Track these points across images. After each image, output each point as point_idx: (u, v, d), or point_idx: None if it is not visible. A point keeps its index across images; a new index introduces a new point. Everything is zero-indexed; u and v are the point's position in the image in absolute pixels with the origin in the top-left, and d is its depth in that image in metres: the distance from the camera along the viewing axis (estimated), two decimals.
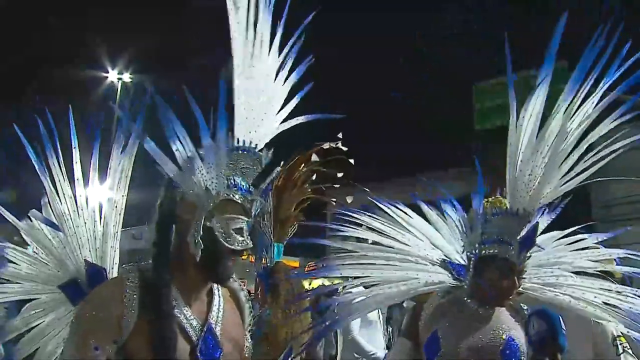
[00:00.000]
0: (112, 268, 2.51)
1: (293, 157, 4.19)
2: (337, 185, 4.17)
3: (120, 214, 2.54)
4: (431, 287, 2.48)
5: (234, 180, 1.98)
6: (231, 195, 1.96)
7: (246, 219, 1.99)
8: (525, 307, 2.44)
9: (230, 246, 1.93)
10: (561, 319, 2.22)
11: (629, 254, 2.59)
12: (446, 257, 2.57)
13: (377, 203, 2.78)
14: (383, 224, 2.66)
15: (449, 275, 2.50)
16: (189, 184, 1.94)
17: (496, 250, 2.32)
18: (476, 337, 2.30)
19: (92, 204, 2.51)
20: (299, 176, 4.14)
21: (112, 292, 1.91)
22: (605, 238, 2.59)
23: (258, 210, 2.03)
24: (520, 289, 2.45)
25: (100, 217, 2.52)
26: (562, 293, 2.43)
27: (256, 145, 2.07)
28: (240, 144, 2.05)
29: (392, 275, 2.54)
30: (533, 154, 2.30)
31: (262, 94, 2.14)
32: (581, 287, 2.44)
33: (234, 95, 2.09)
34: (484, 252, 2.37)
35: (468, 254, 2.44)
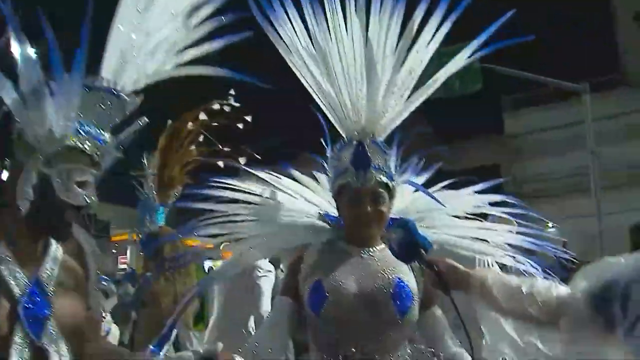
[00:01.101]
0: None
1: (179, 115, 3.96)
2: (227, 149, 3.96)
3: None
4: (309, 238, 2.35)
5: (86, 126, 1.70)
6: (79, 143, 1.68)
7: (94, 172, 1.72)
8: None
9: (68, 200, 1.66)
10: (416, 224, 2.05)
11: (503, 199, 2.51)
12: (322, 211, 2.45)
13: (247, 169, 2.63)
14: (257, 187, 2.51)
15: (327, 225, 2.38)
16: (29, 121, 1.65)
17: (341, 181, 2.22)
18: (364, 281, 2.14)
19: None
20: (185, 136, 3.92)
21: None
22: (474, 190, 2.51)
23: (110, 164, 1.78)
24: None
25: None
26: (445, 234, 2.37)
27: (122, 88, 1.77)
28: (104, 84, 1.75)
29: (269, 229, 2.41)
30: (346, 77, 2.23)
31: (159, 33, 1.85)
32: (461, 227, 2.41)
33: (116, 24, 1.79)
34: (335, 187, 2.26)
35: (333, 199, 2.32)
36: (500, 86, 17.92)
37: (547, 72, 12.24)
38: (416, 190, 2.44)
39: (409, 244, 1.96)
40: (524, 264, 2.29)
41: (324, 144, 2.43)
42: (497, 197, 2.49)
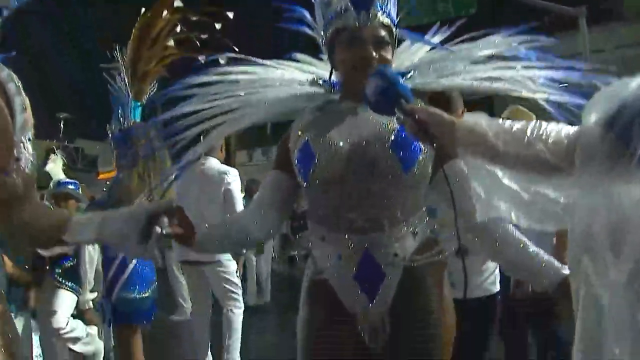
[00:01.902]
0: None
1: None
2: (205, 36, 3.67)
3: None
4: (300, 104, 2.11)
5: None
6: None
7: None
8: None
9: None
10: (394, 72, 1.83)
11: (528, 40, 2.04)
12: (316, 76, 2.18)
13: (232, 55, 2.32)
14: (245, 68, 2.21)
15: (321, 90, 2.13)
16: None
17: (337, 24, 1.94)
18: (359, 135, 1.89)
19: None
20: (160, 27, 3.64)
21: None
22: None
23: None
24: (411, 86, 1.97)
25: None
26: (461, 79, 2.07)
27: None
28: None
29: (254, 98, 2.13)
30: None
31: None
32: (478, 70, 2.07)
33: None
34: (329, 32, 1.98)
35: (325, 50, 2.05)
36: (494, 15, 17.59)
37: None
38: (432, 48, 2.15)
39: (387, 92, 1.68)
40: (558, 96, 1.91)
41: None
42: (520, 38, 2.04)
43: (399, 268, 1.84)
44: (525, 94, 2.02)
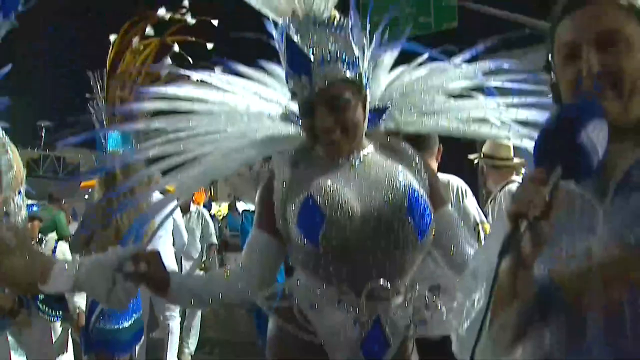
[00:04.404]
0: None
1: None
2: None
3: None
4: (279, 144, 1.88)
5: None
6: None
7: None
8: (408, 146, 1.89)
9: None
10: None
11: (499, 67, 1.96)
12: (286, 108, 1.92)
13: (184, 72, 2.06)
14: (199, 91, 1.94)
15: (291, 126, 1.89)
16: None
17: (289, 85, 1.74)
18: (369, 195, 1.69)
19: None
20: (132, 53, 3.55)
21: None
22: (462, 61, 1.98)
23: None
24: (394, 127, 1.93)
25: None
26: (446, 120, 1.90)
27: None
28: None
29: (222, 143, 1.87)
30: None
31: None
32: (457, 109, 1.93)
33: None
34: (289, 89, 1.77)
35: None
36: (477, 27, 17.60)
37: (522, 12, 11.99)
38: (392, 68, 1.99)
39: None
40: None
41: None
42: (491, 65, 1.94)
43: (401, 337, 1.74)
44: (513, 141, 1.95)
